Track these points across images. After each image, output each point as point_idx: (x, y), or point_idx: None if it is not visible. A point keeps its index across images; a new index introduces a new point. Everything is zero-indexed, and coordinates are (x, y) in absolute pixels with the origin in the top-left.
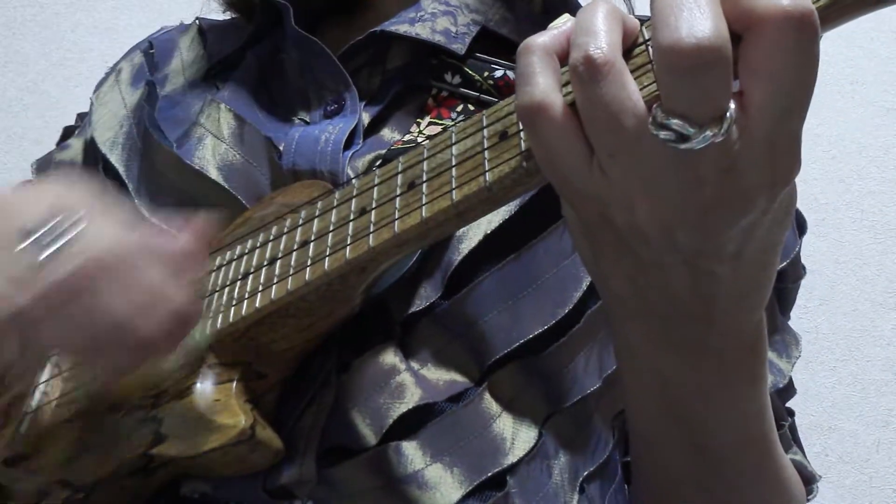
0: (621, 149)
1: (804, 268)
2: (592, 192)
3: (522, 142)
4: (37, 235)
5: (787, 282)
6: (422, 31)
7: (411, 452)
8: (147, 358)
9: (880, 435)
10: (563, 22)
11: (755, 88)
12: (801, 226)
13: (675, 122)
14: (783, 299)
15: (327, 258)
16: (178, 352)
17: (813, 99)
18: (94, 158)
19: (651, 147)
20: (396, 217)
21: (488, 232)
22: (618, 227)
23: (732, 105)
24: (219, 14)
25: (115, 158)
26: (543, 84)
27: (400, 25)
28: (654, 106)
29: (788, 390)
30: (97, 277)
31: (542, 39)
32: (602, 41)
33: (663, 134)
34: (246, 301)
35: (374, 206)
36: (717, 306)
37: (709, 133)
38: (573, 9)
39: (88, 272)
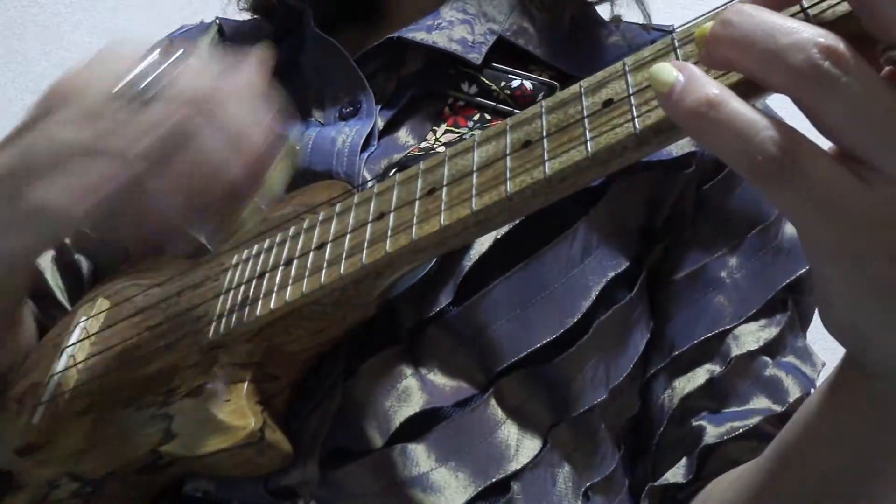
0: None
1: None
2: (887, 227)
3: (546, 151)
4: (129, 80)
5: (805, 294)
6: (438, 39)
7: (418, 455)
8: (235, 203)
9: None
10: None
11: None
12: None
13: None
14: (803, 315)
15: (343, 262)
16: (257, 200)
17: None
18: None
19: None
20: (414, 223)
21: (498, 237)
22: None
23: None
24: (237, 14)
25: None
26: (771, 124)
27: (417, 33)
28: None
29: None
30: (194, 121)
31: (711, 88)
32: (814, 27)
33: None
34: (260, 301)
35: (392, 210)
36: None
37: None
38: (601, 29)
39: (186, 116)
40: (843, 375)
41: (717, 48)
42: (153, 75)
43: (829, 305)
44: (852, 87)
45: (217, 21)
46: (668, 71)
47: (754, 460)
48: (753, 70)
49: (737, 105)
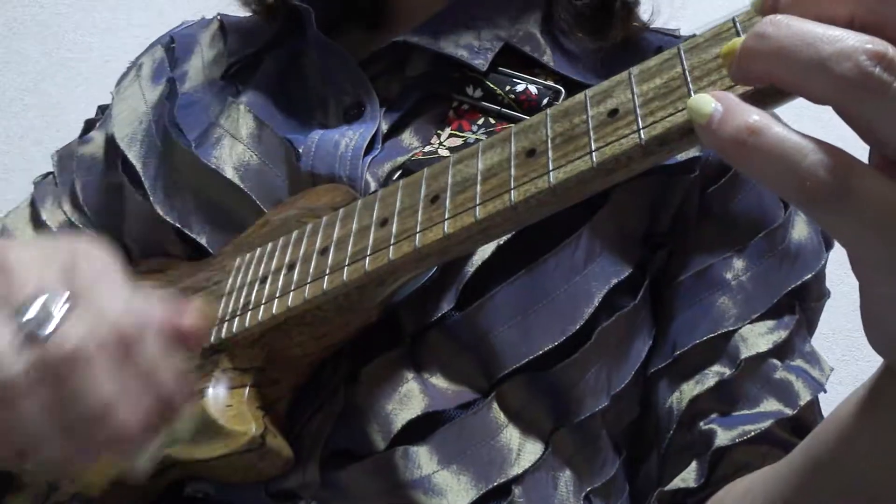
0: None
1: (828, 290)
2: None
3: (550, 161)
4: (37, 308)
5: (811, 300)
6: (445, 44)
7: (420, 457)
8: (116, 449)
9: None
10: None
11: None
12: (828, 238)
13: None
14: (809, 321)
15: (346, 268)
16: (144, 452)
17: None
18: (114, 154)
19: None
20: (418, 231)
21: (500, 243)
22: None
23: None
24: (239, 10)
25: (133, 155)
26: (818, 147)
27: (423, 37)
28: None
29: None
30: (96, 356)
31: (751, 115)
32: (858, 34)
33: None
34: (263, 306)
35: (395, 217)
36: None
37: None
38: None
39: (89, 351)
40: (884, 389)
41: (752, 62)
42: (60, 304)
43: (878, 322)
44: None
45: (219, 17)
46: (706, 102)
47: (771, 467)
48: (795, 83)
49: (779, 130)
